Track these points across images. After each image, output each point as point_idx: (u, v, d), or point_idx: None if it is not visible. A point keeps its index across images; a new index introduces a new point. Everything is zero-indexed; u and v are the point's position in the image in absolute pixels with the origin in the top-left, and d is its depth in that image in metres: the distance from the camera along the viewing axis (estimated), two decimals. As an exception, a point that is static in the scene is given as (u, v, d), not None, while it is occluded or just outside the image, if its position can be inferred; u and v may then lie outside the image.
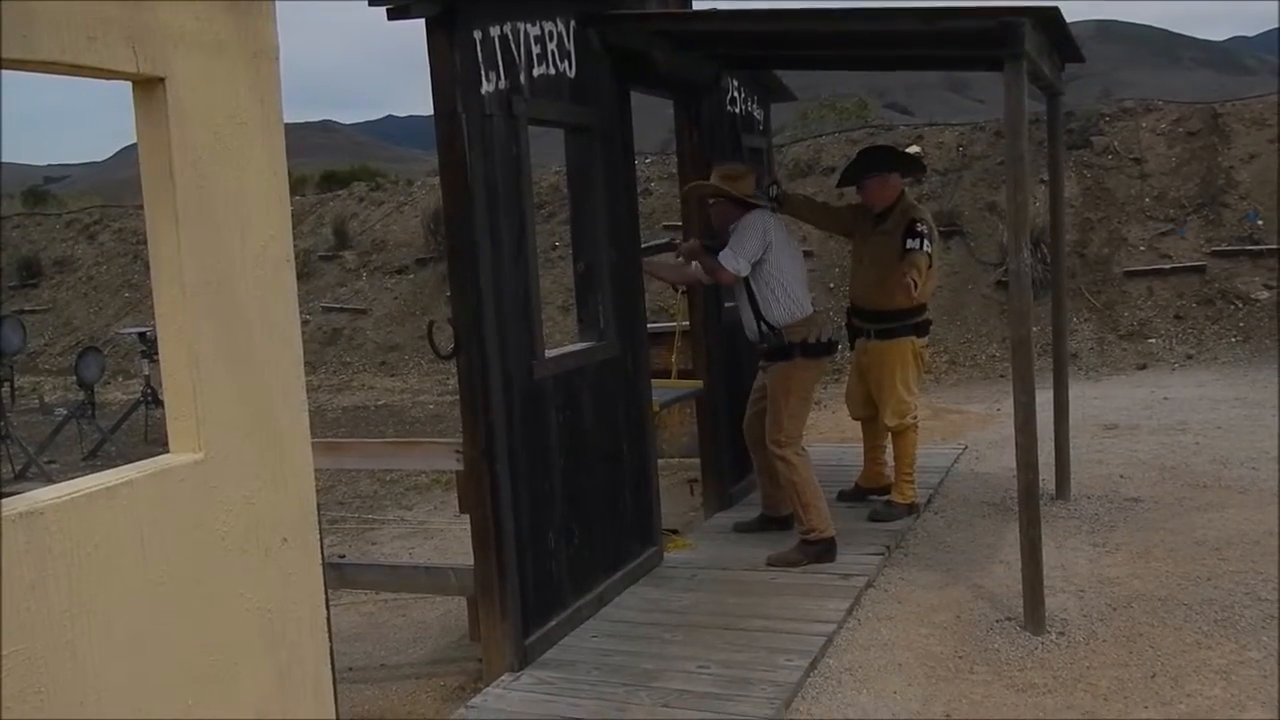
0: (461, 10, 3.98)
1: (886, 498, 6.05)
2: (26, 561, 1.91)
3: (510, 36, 4.26)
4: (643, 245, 5.63)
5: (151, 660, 2.15)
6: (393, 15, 3.88)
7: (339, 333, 14.55)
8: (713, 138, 6.22)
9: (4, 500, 1.92)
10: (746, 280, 5.34)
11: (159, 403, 10.17)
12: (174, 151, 2.23)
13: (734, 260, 5.26)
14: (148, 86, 2.22)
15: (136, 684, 2.12)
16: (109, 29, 2.07)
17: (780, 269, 5.33)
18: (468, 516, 4.26)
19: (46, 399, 12.32)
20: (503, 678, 4.14)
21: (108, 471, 2.18)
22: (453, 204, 4.06)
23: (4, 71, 1.97)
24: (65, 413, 10.14)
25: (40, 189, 30.37)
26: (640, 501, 5.27)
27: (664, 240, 6.54)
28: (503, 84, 4.19)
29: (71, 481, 2.09)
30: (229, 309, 2.37)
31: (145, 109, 2.23)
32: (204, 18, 2.30)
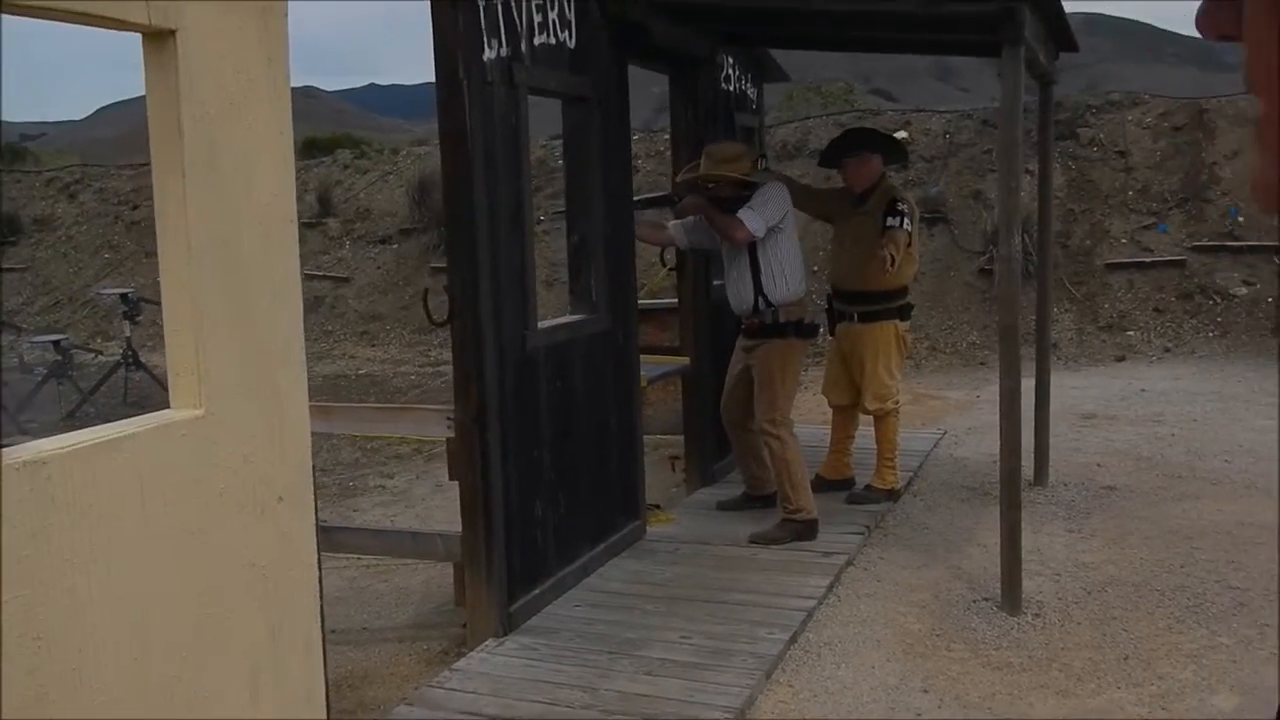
0: (465, -25, 3.97)
1: (868, 483, 6.04)
2: (29, 509, 1.92)
3: (513, 3, 4.24)
4: (636, 197, 5.51)
5: (149, 610, 2.17)
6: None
7: (321, 300, 14.47)
8: (708, 115, 6.22)
9: (8, 449, 1.93)
10: (752, 251, 5.25)
11: (139, 364, 10.11)
12: (183, 106, 2.22)
13: (755, 220, 5.11)
14: (158, 39, 2.20)
15: (134, 633, 2.13)
16: (123, -21, 2.06)
17: (790, 246, 5.30)
18: (449, 488, 4.28)
19: (26, 358, 12.20)
20: (487, 643, 4.18)
21: (110, 424, 2.18)
22: (452, 170, 4.07)
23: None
24: (45, 372, 10.06)
25: (17, 146, 29.97)
26: (626, 474, 5.30)
27: (660, 194, 6.35)
28: (504, 51, 4.18)
29: (75, 433, 2.10)
30: (233, 266, 2.37)
31: (155, 62, 2.22)
32: (216, -28, 2.29)
